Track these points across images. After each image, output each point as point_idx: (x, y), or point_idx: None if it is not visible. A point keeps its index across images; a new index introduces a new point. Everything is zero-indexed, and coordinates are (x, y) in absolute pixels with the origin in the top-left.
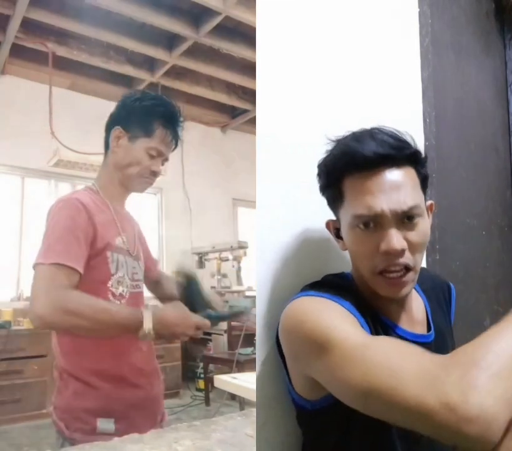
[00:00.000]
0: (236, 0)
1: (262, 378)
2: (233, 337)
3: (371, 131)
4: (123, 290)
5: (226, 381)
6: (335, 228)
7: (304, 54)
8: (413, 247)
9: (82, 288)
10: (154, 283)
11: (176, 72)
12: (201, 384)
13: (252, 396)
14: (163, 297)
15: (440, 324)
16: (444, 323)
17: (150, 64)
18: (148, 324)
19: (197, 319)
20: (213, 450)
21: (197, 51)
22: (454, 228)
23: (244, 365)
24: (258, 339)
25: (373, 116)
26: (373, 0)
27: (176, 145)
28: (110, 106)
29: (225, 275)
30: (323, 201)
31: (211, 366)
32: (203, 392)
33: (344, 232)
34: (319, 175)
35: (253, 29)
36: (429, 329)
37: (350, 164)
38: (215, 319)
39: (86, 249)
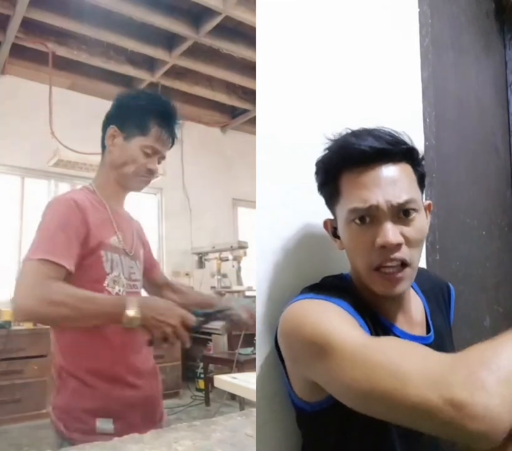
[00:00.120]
0: (236, 0)
1: (262, 378)
2: (233, 337)
3: (369, 129)
4: (120, 290)
5: (226, 381)
6: (332, 227)
7: (304, 54)
8: (409, 243)
9: (78, 287)
10: (155, 287)
11: (176, 72)
12: (201, 384)
13: (252, 396)
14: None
15: (439, 326)
16: (443, 325)
17: (150, 64)
18: (132, 308)
19: (183, 310)
20: (213, 450)
21: (197, 51)
22: (454, 228)
23: (244, 365)
24: (258, 339)
25: (373, 116)
26: (373, 0)
27: (173, 143)
28: (110, 106)
29: (225, 275)
30: (323, 201)
31: (211, 366)
32: (203, 392)
33: (341, 229)
34: (317, 172)
35: (253, 29)
36: (428, 330)
37: (347, 159)
38: (200, 316)
39: (77, 247)
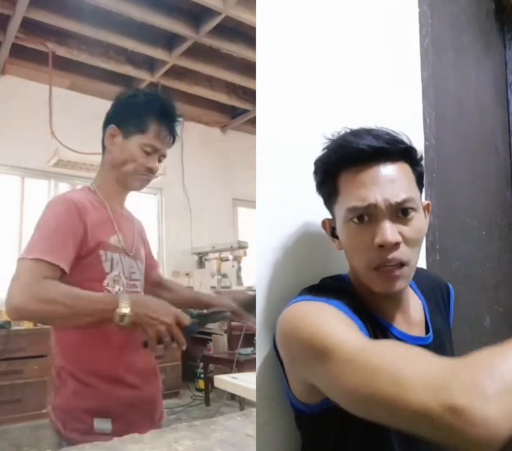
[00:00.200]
0: (236, 0)
1: (262, 378)
2: (233, 337)
3: (367, 128)
4: (119, 289)
5: (226, 381)
6: (330, 227)
7: (304, 54)
8: (408, 242)
9: (77, 287)
10: (150, 285)
11: (176, 72)
12: (201, 384)
13: (252, 396)
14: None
15: (438, 326)
16: (442, 325)
17: (150, 64)
18: (124, 305)
19: (177, 310)
20: (213, 450)
21: (197, 51)
22: (454, 228)
23: (244, 365)
24: (258, 339)
25: (373, 116)
26: (373, 0)
27: (174, 141)
28: (110, 106)
29: (225, 275)
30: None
31: (211, 366)
32: (203, 392)
33: (339, 228)
34: (315, 171)
35: (253, 29)
36: (427, 331)
37: (345, 157)
38: (196, 317)
39: (74, 247)
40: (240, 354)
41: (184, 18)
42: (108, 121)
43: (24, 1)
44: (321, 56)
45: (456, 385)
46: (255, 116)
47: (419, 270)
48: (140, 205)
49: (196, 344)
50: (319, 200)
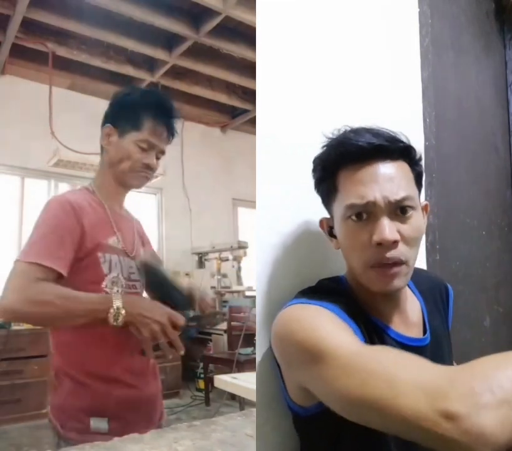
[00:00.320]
0: (236, 0)
1: (262, 378)
2: (233, 337)
3: (366, 127)
4: (118, 290)
5: (226, 381)
6: (328, 226)
7: (304, 54)
8: (406, 241)
9: (75, 289)
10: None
11: (176, 72)
12: (201, 384)
13: (252, 396)
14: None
15: (436, 327)
16: (440, 326)
17: (150, 64)
18: (117, 305)
19: (172, 311)
20: (213, 450)
21: (197, 51)
22: (454, 228)
23: (244, 365)
24: (258, 339)
25: (373, 116)
26: (373, 0)
27: (172, 137)
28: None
29: (225, 275)
30: None
31: (211, 366)
32: (203, 392)
33: (337, 227)
34: (314, 169)
35: (253, 29)
36: (424, 331)
37: (344, 154)
38: (191, 319)
39: (71, 249)
40: (240, 354)
41: (184, 18)
42: (105, 121)
43: (24, 1)
44: (321, 56)
45: (452, 392)
46: (255, 116)
47: (417, 271)
48: (140, 205)
49: (196, 344)
50: (319, 200)
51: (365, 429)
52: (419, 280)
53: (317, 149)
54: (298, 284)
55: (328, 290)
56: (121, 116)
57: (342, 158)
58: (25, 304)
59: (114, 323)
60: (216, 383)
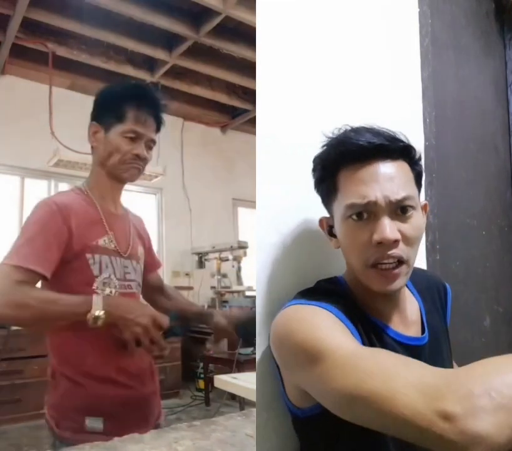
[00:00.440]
0: (236, 0)
1: (262, 378)
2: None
3: (366, 126)
4: (111, 291)
5: (226, 381)
6: (328, 225)
7: (304, 54)
8: (407, 240)
9: (66, 291)
10: (153, 290)
11: (176, 72)
12: (201, 384)
13: (252, 396)
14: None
15: (435, 326)
16: (439, 325)
17: (150, 64)
18: (97, 306)
19: (155, 311)
20: (213, 450)
21: (197, 51)
22: (454, 228)
23: (244, 365)
24: (258, 339)
25: (373, 116)
26: (373, 0)
27: (159, 125)
28: None
29: (225, 275)
30: None
31: (211, 366)
32: (203, 392)
33: (337, 226)
34: (314, 169)
35: (253, 29)
36: (423, 331)
37: (345, 153)
38: (176, 319)
39: (57, 252)
40: (240, 354)
41: (184, 18)
42: (91, 119)
43: (24, 1)
44: (321, 56)
45: (450, 394)
46: (255, 116)
47: (415, 270)
48: (140, 205)
49: (196, 344)
50: (319, 200)
51: (364, 430)
52: (417, 279)
53: (317, 149)
54: (298, 284)
55: (327, 291)
56: (104, 112)
57: (342, 158)
58: (6, 307)
59: (94, 325)
60: (216, 383)
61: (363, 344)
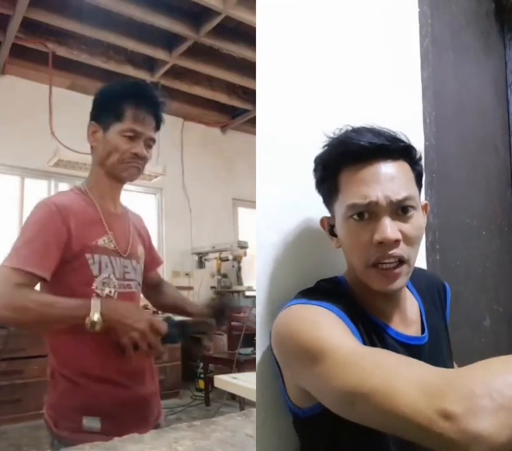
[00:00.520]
0: (236, 0)
1: (262, 378)
2: (233, 337)
3: (367, 126)
4: (110, 291)
5: (226, 381)
6: (329, 225)
7: (304, 54)
8: (407, 240)
9: (66, 291)
10: (151, 288)
11: (176, 72)
12: (201, 384)
13: (252, 396)
14: (164, 306)
15: (434, 326)
16: (438, 324)
17: (150, 64)
18: (95, 310)
19: (153, 317)
20: (213, 450)
21: (197, 51)
22: (454, 228)
23: (244, 365)
24: (258, 339)
25: (373, 116)
26: (373, 0)
27: (158, 123)
28: None
29: (225, 275)
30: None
31: (211, 366)
32: (203, 392)
33: (338, 226)
34: (315, 169)
35: (253, 29)
36: (423, 330)
37: (346, 154)
38: (174, 326)
39: (56, 253)
40: (240, 354)
41: (184, 18)
42: (90, 119)
43: (24, 1)
44: (321, 56)
45: (451, 393)
46: (255, 116)
47: (415, 269)
48: (140, 205)
49: (196, 344)
50: (319, 200)
51: (365, 430)
52: (417, 279)
53: (316, 149)
54: (298, 284)
55: (328, 291)
56: (102, 111)
57: (344, 158)
58: (5, 309)
59: (92, 330)
60: (216, 383)
61: (364, 343)
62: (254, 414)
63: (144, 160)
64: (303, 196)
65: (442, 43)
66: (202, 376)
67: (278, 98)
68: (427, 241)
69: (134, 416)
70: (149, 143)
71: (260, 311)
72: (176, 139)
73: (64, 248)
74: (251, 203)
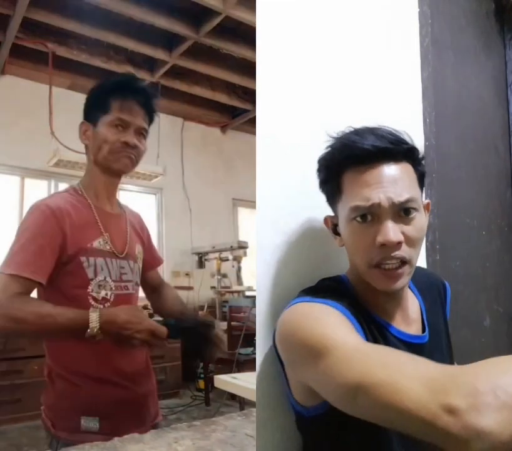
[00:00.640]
0: (236, 0)
1: (262, 378)
2: (233, 337)
3: (371, 127)
4: (107, 294)
5: (226, 381)
6: (333, 224)
7: (304, 54)
8: (409, 241)
9: (62, 294)
10: (152, 289)
11: (176, 72)
12: (201, 384)
13: (252, 396)
14: (162, 310)
15: (435, 325)
16: (439, 323)
17: (150, 64)
18: (93, 324)
19: (152, 324)
20: (213, 450)
21: (197, 51)
22: (454, 228)
23: (244, 365)
24: (258, 339)
25: (373, 116)
26: (373, 0)
27: (150, 113)
28: None
29: (225, 275)
30: (323, 201)
31: (211, 366)
32: (203, 392)
33: (341, 227)
34: (319, 169)
35: (253, 29)
36: (423, 329)
37: (349, 157)
38: (173, 328)
39: (52, 257)
40: (240, 354)
41: (184, 18)
42: (83, 119)
43: (24, 1)
44: (321, 56)
45: (455, 389)
46: (255, 116)
47: (416, 268)
48: (140, 205)
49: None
50: (319, 200)
51: (370, 429)
52: (418, 278)
53: (317, 149)
54: (298, 284)
55: (330, 290)
56: (91, 109)
57: (347, 160)
58: (4, 321)
59: (92, 340)
60: (216, 383)
61: (368, 341)
62: (254, 414)
63: (136, 149)
64: (303, 196)
65: (442, 43)
66: (202, 376)
67: (278, 98)
68: (427, 241)
69: (132, 416)
70: (141, 132)
71: (260, 311)
72: (176, 139)
73: (59, 252)
74: (251, 203)
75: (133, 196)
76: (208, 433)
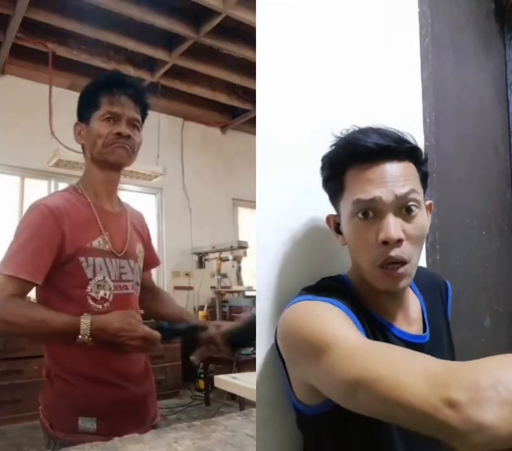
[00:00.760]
0: (236, 0)
1: (262, 378)
2: None
3: (375, 127)
4: (105, 294)
5: (226, 381)
6: (335, 223)
7: (304, 54)
8: (411, 240)
9: (60, 294)
10: (144, 290)
11: (176, 72)
12: (201, 384)
13: (252, 396)
14: (155, 314)
15: (436, 324)
16: (440, 323)
17: (150, 64)
18: (84, 332)
19: (145, 330)
20: (213, 450)
21: (197, 51)
22: (454, 228)
23: (244, 365)
24: (258, 339)
25: (373, 116)
26: (373, 0)
27: (141, 105)
28: None
29: (225, 275)
30: (323, 201)
31: (211, 366)
32: (203, 392)
33: (344, 225)
34: (322, 167)
35: (253, 29)
36: (424, 329)
37: (352, 154)
38: (166, 332)
39: (50, 258)
40: (240, 354)
41: (184, 18)
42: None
43: (24, 1)
44: (321, 56)
45: (457, 384)
46: (255, 116)
47: (417, 268)
48: (140, 205)
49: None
50: (319, 200)
51: (372, 426)
52: (419, 277)
53: (317, 148)
54: (298, 284)
55: (332, 288)
56: (83, 108)
57: (350, 158)
58: None
59: (84, 346)
60: (216, 383)
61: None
62: (254, 414)
63: (130, 139)
64: (303, 196)
65: (442, 43)
66: (202, 376)
67: (278, 98)
68: (427, 241)
69: (130, 417)
70: (134, 123)
71: (260, 311)
72: (176, 139)
73: (57, 251)
74: (251, 203)
75: (132, 197)
76: (208, 433)
